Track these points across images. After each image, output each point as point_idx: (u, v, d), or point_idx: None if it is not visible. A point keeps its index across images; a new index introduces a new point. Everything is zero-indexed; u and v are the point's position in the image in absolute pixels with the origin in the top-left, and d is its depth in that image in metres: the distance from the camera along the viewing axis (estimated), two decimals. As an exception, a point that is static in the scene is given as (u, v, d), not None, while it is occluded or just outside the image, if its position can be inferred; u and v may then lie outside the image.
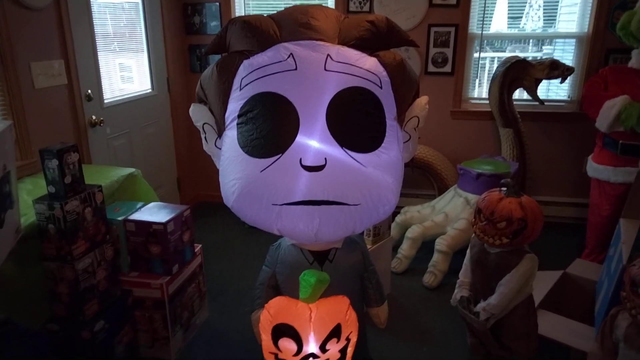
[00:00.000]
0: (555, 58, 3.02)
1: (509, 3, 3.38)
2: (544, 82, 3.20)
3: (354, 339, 1.55)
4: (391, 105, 1.44)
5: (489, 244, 1.57)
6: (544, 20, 3.39)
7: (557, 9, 3.33)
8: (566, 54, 3.36)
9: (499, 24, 3.48)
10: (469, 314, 1.66)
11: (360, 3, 3.38)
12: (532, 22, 3.48)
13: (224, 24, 3.14)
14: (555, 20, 3.36)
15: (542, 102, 3.13)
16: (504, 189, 1.59)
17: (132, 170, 2.30)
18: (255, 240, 3.29)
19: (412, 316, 2.41)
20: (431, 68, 3.41)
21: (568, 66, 2.97)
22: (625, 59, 3.14)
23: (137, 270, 2.01)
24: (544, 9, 3.37)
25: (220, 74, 1.43)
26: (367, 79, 1.39)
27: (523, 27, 3.52)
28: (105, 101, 2.77)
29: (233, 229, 3.46)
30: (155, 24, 3.25)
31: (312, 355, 1.45)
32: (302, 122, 1.33)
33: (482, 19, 3.30)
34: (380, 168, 1.39)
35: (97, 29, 2.69)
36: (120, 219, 1.96)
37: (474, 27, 3.33)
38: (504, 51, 3.55)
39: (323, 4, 3.09)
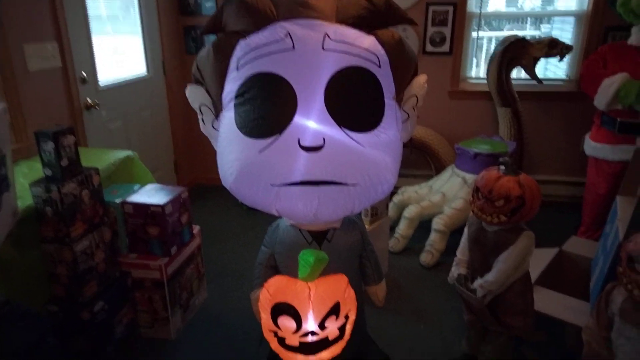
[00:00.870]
0: (553, 37, 3.00)
1: (507, -20, 3.34)
2: (542, 61, 3.18)
3: (352, 316, 1.57)
4: (390, 84, 1.43)
5: (487, 222, 1.58)
6: (542, -3, 3.36)
7: (556, -15, 3.29)
8: (564, 33, 3.33)
9: (497, 2, 3.44)
10: (466, 291, 1.68)
11: (356, -19, 3.32)
12: (530, 1, 3.45)
13: (220, 3, 3.11)
14: (554, -3, 3.33)
15: (540, 81, 3.11)
16: (502, 167, 1.59)
17: (129, 152, 2.29)
18: (253, 222, 3.30)
19: (409, 294, 2.44)
20: (429, 47, 3.38)
21: (567, 44, 2.94)
22: (625, 37, 3.13)
23: (135, 252, 2.02)
24: (542, -14, 3.34)
25: (216, 55, 1.42)
26: (365, 58, 1.38)
27: (521, 5, 3.48)
28: (100, 84, 2.74)
29: (231, 211, 3.46)
30: (150, 5, 3.20)
31: (312, 332, 1.47)
32: (300, 103, 1.32)
33: (480, -3, 3.26)
34: (379, 148, 1.39)
35: (91, 11, 2.65)
36: (118, 201, 1.96)
37: (472, 5, 3.29)
38: (502, 30, 3.51)
39: (319, -17, 3.04)
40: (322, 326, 1.48)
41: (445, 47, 3.36)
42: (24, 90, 2.20)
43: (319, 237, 1.57)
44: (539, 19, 3.47)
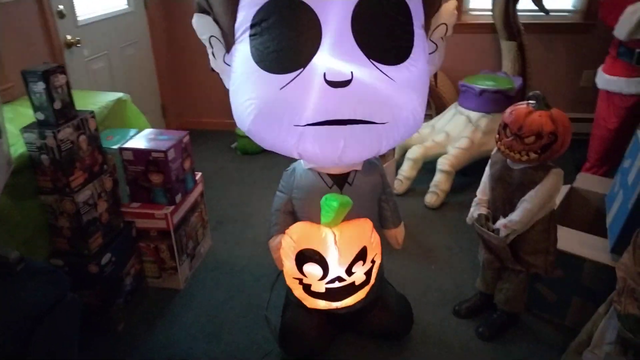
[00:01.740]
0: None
1: None
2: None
3: (378, 261, 1.53)
4: (419, 10, 1.30)
5: (515, 160, 1.51)
6: None
7: None
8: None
9: None
10: (487, 231, 1.64)
11: None
12: None
13: None
14: None
15: (547, 12, 2.97)
16: (532, 101, 1.50)
17: (121, 94, 2.12)
18: (249, 166, 3.19)
19: (416, 236, 2.41)
20: (430, -23, 3.16)
21: (577, -28, 2.79)
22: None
23: (138, 201, 1.91)
24: None
25: (227, -22, 1.25)
26: (394, -19, 1.24)
27: None
28: (79, 19, 2.49)
29: (225, 156, 3.34)
30: None
31: (338, 278, 1.43)
32: (325, 32, 1.19)
33: None
34: (410, 82, 1.29)
35: None
36: (115, 147, 1.82)
37: None
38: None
39: None
40: (349, 272, 1.43)
41: (448, -24, 3.15)
42: (-3, 26, 1.97)
43: (340, 180, 1.49)
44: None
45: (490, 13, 3.07)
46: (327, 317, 1.67)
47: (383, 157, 2.44)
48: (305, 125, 1.23)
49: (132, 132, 1.96)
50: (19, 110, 1.82)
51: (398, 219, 1.66)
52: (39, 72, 1.42)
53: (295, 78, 1.20)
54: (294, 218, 1.56)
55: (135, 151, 1.81)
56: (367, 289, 1.53)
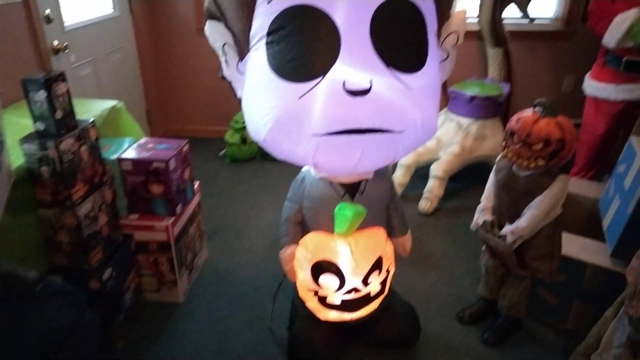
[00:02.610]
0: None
1: None
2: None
3: (393, 270, 1.52)
4: (432, 19, 1.31)
5: (523, 167, 1.53)
6: None
7: None
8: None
9: None
10: (493, 237, 1.66)
11: None
12: None
13: None
14: None
15: (532, 19, 3.05)
16: (539, 108, 1.53)
17: (115, 102, 2.05)
18: (239, 175, 3.14)
19: (413, 243, 2.40)
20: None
21: (560, -19, 2.88)
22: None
23: (136, 213, 1.85)
24: None
25: (241, -16, 1.23)
26: (409, -11, 1.24)
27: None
28: (66, 24, 2.41)
29: (213, 164, 3.28)
30: None
31: (355, 289, 1.41)
32: (344, 40, 1.18)
33: None
34: (425, 90, 1.29)
35: None
36: (113, 157, 1.76)
37: (462, -62, 3.12)
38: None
39: None
40: (365, 282, 1.42)
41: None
42: (-16, 31, 1.88)
43: (351, 189, 1.48)
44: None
45: (476, 19, 3.13)
46: (336, 328, 1.65)
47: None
48: (323, 135, 1.21)
49: (128, 141, 1.90)
50: (12, 120, 1.74)
51: (405, 226, 1.66)
52: (41, 81, 1.35)
53: (314, 87, 1.19)
54: (304, 228, 1.54)
55: (135, 161, 1.76)
56: (381, 299, 1.52)
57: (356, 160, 1.26)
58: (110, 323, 1.68)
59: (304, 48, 1.19)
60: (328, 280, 1.40)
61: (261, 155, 3.25)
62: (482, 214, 1.74)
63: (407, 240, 1.67)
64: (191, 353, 1.74)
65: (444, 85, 3.19)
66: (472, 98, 2.77)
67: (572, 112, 2.81)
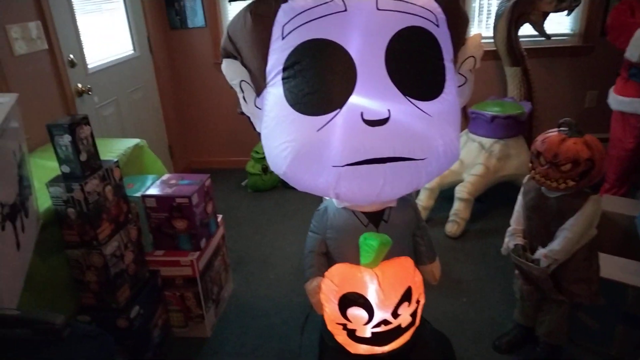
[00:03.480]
0: (562, -11, 2.89)
1: None
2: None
3: (422, 301, 1.47)
4: (448, 45, 1.30)
5: (552, 188, 1.48)
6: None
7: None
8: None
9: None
10: (526, 261, 1.60)
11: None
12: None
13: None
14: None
15: (549, 36, 3.02)
16: (564, 129, 1.49)
17: (138, 140, 2.09)
18: (261, 205, 3.15)
19: (442, 267, 2.35)
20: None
21: (576, -3, 2.85)
22: (631, -14, 3.06)
23: (161, 249, 1.86)
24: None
25: (256, 22, 1.25)
26: (423, 17, 1.24)
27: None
28: (89, 67, 2.49)
29: (235, 195, 3.30)
30: (129, -24, 2.92)
31: (384, 321, 1.37)
32: (360, 71, 1.18)
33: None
34: (444, 116, 1.27)
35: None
36: (137, 195, 1.78)
37: (474, -39, 3.15)
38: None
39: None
40: (394, 314, 1.38)
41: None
42: (12, 77, 1.95)
43: (374, 218, 1.45)
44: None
45: (492, 40, 3.12)
46: (367, 360, 1.60)
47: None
48: (344, 166, 1.20)
49: (151, 178, 1.93)
50: (38, 163, 1.78)
51: (433, 253, 1.62)
52: (65, 125, 1.39)
53: (332, 119, 1.18)
54: (328, 259, 1.52)
55: (159, 198, 1.77)
56: (412, 330, 1.47)
57: (379, 189, 1.25)
58: (139, 362, 1.67)
59: (321, 81, 1.19)
60: (356, 313, 1.36)
61: (283, 184, 3.26)
62: (512, 238, 1.69)
63: (436, 267, 1.62)
64: (220, 391, 1.71)
65: (464, 107, 3.17)
66: (494, 118, 2.74)
67: (597, 128, 2.76)
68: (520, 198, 1.68)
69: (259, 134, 1.41)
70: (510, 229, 1.70)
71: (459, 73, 1.40)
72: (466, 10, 1.41)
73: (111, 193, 1.56)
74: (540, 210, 1.58)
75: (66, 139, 1.40)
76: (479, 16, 3.34)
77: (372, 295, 1.34)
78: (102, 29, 2.72)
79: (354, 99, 1.17)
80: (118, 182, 1.60)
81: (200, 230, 1.85)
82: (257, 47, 1.27)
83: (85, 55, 2.47)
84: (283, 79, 1.24)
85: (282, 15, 1.23)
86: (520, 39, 3.05)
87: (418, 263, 1.60)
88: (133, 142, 2.07)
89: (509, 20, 2.90)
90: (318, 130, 1.19)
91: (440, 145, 1.26)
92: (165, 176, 1.95)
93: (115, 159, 1.62)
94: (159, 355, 1.79)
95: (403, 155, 1.21)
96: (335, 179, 1.22)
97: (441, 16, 1.28)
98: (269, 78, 1.28)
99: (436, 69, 1.27)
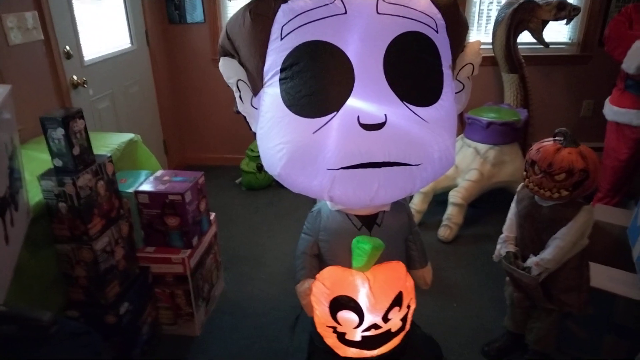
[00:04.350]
0: (561, -2, 2.90)
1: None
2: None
3: (413, 306, 1.47)
4: (447, 51, 1.30)
5: (546, 197, 1.49)
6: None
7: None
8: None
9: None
10: (517, 269, 1.60)
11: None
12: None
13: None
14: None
15: (547, 45, 3.03)
16: (559, 138, 1.49)
17: (132, 135, 2.07)
18: (255, 202, 3.14)
19: (434, 271, 2.35)
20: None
21: (575, 6, 2.87)
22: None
23: (152, 245, 1.84)
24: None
25: (255, 22, 1.24)
26: (423, 22, 1.24)
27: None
28: (85, 59, 2.47)
29: (229, 193, 3.29)
30: (129, -32, 2.90)
31: (375, 325, 1.37)
32: (358, 75, 1.17)
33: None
34: (441, 122, 1.27)
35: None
36: (130, 190, 1.77)
37: (475, -34, 3.15)
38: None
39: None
40: (385, 319, 1.38)
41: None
42: (7, 67, 1.93)
43: (368, 222, 1.44)
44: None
45: (490, 46, 3.12)
46: (356, 364, 1.59)
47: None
48: (339, 169, 1.20)
49: (145, 174, 1.91)
50: (30, 155, 1.76)
51: (425, 258, 1.62)
52: (59, 119, 1.37)
53: (328, 122, 1.18)
54: (320, 261, 1.51)
55: (152, 194, 1.76)
56: (402, 335, 1.47)
57: (373, 193, 1.24)
58: (127, 358, 1.65)
59: (318, 83, 1.19)
60: (347, 317, 1.36)
61: (277, 183, 3.23)
62: (504, 245, 1.69)
63: (427, 272, 1.62)
64: (207, 390, 1.71)
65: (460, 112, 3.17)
66: (489, 124, 2.74)
67: (593, 137, 2.78)
68: (513, 205, 1.68)
69: (254, 134, 1.40)
70: (502, 236, 1.71)
71: (457, 79, 1.40)
72: (466, 16, 1.40)
73: (103, 188, 1.54)
74: (533, 218, 1.58)
75: (59, 132, 1.39)
76: (478, 21, 3.34)
77: (363, 299, 1.34)
78: (100, 20, 2.70)
79: (351, 103, 1.17)
80: (111, 177, 1.59)
81: (193, 228, 1.83)
82: (255, 46, 1.26)
83: (82, 47, 2.44)
84: (280, 79, 1.23)
85: (282, 15, 1.22)
86: (519, 46, 3.06)
87: (410, 267, 1.60)
88: (127, 136, 2.05)
89: (508, 27, 2.91)
90: (314, 132, 1.18)
91: (435, 152, 1.26)
92: (159, 172, 1.93)
93: (109, 154, 1.60)
94: (147, 352, 1.78)
95: (398, 160, 1.20)
96: (330, 182, 1.22)
97: (441, 22, 1.27)
98: (266, 78, 1.27)
99: (434, 75, 1.26)
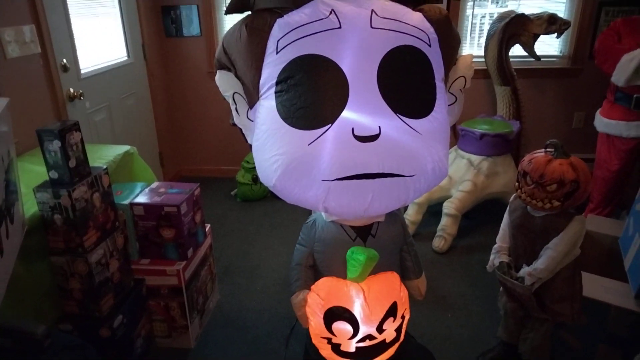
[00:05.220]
0: (552, 12, 2.96)
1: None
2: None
3: (407, 316, 1.48)
4: (439, 64, 1.33)
5: (538, 208, 1.50)
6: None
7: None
8: (558, 5, 3.29)
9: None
10: (511, 279, 1.62)
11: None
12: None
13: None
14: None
15: (538, 58, 3.08)
16: (551, 149, 1.52)
17: (128, 147, 2.08)
18: (251, 213, 3.14)
19: (428, 282, 2.36)
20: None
21: (565, 20, 2.92)
22: (619, 12, 3.14)
23: (147, 257, 1.84)
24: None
25: (251, 36, 1.26)
26: (415, 37, 1.27)
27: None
28: (82, 71, 2.49)
29: (225, 204, 3.29)
30: (126, -17, 2.93)
31: (369, 336, 1.37)
32: (352, 88, 1.19)
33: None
34: (434, 134, 1.29)
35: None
36: (126, 202, 1.77)
37: (467, -19, 3.21)
38: (487, 7, 3.43)
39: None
40: (379, 329, 1.38)
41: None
42: (4, 80, 1.94)
43: (362, 233, 1.46)
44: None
45: (482, 59, 3.17)
46: (351, 375, 1.59)
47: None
48: (333, 180, 1.21)
49: (140, 186, 1.92)
50: (25, 167, 1.77)
51: (420, 269, 1.62)
52: (55, 131, 1.38)
53: (323, 134, 1.20)
54: (315, 272, 1.52)
55: (147, 206, 1.76)
56: (396, 345, 1.47)
57: (367, 204, 1.26)
58: (120, 372, 1.64)
59: (313, 96, 1.20)
60: (342, 328, 1.36)
61: (272, 195, 3.25)
62: (498, 255, 1.70)
63: (422, 283, 1.63)
64: (202, 403, 1.70)
65: (454, 124, 3.20)
66: (482, 135, 2.77)
67: (584, 148, 2.81)
68: (506, 216, 1.70)
69: (250, 146, 1.41)
70: (496, 246, 1.72)
71: (449, 92, 1.42)
72: (458, 31, 1.43)
73: (99, 200, 1.55)
74: (526, 228, 1.60)
75: (56, 144, 1.40)
76: (470, 35, 3.39)
77: (357, 310, 1.34)
78: (97, 34, 2.72)
79: (346, 115, 1.19)
80: (106, 189, 1.60)
81: (188, 240, 1.84)
82: (251, 60, 1.28)
83: (79, 60, 2.46)
84: (276, 92, 1.25)
85: (277, 29, 1.24)
86: (511, 59, 3.11)
87: (404, 278, 1.61)
88: (123, 148, 2.06)
89: (500, 40, 2.95)
90: (309, 144, 1.20)
91: (429, 163, 1.27)
92: (154, 184, 1.94)
93: (105, 166, 1.61)
94: (141, 365, 1.77)
95: (392, 172, 1.22)
96: (325, 193, 1.23)
97: (433, 36, 1.30)
98: (262, 91, 1.29)
99: (427, 88, 1.29)
